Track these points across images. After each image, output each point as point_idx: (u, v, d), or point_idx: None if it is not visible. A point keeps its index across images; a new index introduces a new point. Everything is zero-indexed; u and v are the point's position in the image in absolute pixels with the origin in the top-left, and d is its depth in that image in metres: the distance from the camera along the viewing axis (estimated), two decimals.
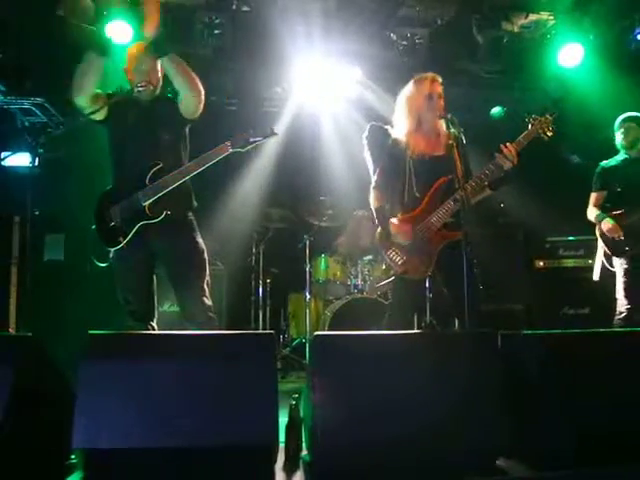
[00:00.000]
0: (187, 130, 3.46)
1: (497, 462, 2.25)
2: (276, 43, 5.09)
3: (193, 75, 3.29)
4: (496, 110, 6.28)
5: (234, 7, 5.07)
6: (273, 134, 3.34)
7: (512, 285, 5.91)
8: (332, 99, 6.18)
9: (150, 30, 3.24)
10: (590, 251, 5.59)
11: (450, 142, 3.27)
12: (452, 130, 3.33)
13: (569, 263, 5.72)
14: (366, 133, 3.71)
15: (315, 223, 6.08)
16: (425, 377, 2.28)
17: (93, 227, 3.33)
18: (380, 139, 3.62)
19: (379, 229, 3.47)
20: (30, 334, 2.30)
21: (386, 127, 3.63)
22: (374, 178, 3.60)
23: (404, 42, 5.22)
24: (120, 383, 2.13)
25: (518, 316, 5.84)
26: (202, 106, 3.36)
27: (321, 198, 6.14)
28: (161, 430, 2.07)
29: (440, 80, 3.46)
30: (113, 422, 2.06)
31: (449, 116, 3.29)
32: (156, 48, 3.27)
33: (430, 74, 3.47)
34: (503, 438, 2.23)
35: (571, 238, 5.72)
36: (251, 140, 3.28)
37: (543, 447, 2.24)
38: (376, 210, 3.53)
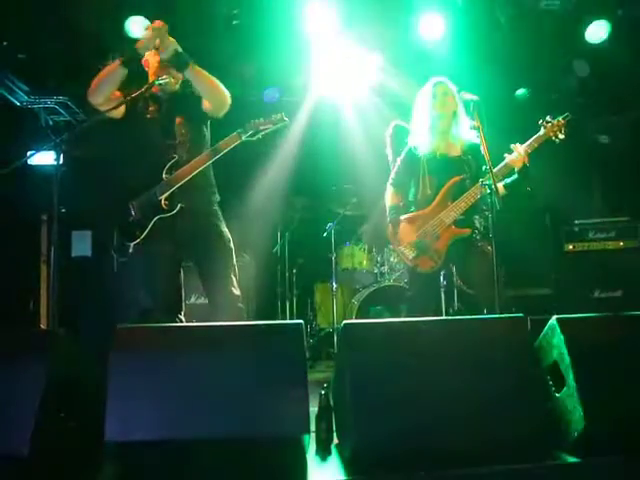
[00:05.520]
0: (208, 124, 3.45)
1: (531, 448, 2.22)
2: (296, 32, 5.05)
3: (215, 82, 3.27)
4: (521, 92, 6.16)
5: None
6: (282, 121, 3.33)
7: (541, 269, 5.83)
8: (354, 86, 6.12)
9: (164, 52, 3.21)
10: (622, 233, 5.49)
11: (464, 143, 3.46)
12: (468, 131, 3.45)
13: (599, 246, 5.61)
14: (389, 131, 3.77)
15: (339, 211, 6.05)
16: (457, 363, 2.25)
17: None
18: (401, 138, 3.73)
19: (390, 226, 3.61)
20: (61, 329, 2.32)
21: (408, 127, 3.72)
22: (391, 175, 3.74)
23: (425, 25, 5.14)
24: (150, 376, 2.13)
25: (547, 301, 5.76)
26: (227, 106, 3.35)
27: (345, 186, 6.11)
28: (192, 422, 2.07)
29: (446, 82, 3.53)
30: (145, 415, 2.07)
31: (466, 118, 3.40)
32: (175, 64, 3.24)
33: (436, 77, 3.56)
34: (537, 424, 2.19)
35: (602, 220, 5.60)
36: (261, 128, 3.29)
37: (576, 434, 2.19)
38: (389, 208, 3.68)
